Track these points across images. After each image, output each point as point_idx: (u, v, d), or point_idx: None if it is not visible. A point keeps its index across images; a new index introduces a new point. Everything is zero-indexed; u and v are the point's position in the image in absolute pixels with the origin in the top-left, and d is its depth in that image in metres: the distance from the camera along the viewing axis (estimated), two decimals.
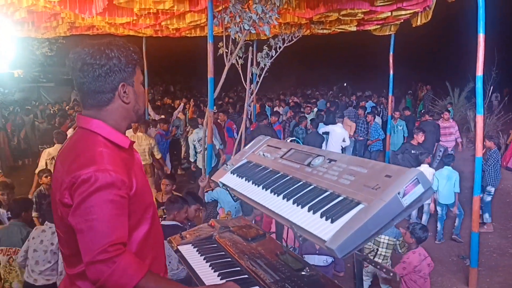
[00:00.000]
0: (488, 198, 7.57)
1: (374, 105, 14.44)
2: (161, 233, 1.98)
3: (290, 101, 15.36)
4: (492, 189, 7.58)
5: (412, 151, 7.96)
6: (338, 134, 9.57)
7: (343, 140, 9.59)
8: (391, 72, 10.18)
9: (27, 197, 5.76)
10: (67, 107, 16.72)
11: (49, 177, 6.01)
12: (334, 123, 9.87)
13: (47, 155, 7.34)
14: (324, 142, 9.45)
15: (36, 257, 4.12)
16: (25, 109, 15.39)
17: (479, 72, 5.23)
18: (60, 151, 1.81)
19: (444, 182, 7.12)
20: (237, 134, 8.26)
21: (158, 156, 8.39)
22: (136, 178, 1.73)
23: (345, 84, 26.78)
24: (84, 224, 1.54)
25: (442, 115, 10.54)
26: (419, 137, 8.16)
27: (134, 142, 1.88)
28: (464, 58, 9.65)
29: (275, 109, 13.65)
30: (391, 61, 10.11)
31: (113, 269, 1.52)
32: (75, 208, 1.57)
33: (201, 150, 8.28)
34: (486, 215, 7.56)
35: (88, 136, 1.73)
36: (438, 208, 7.31)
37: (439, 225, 7.26)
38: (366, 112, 11.41)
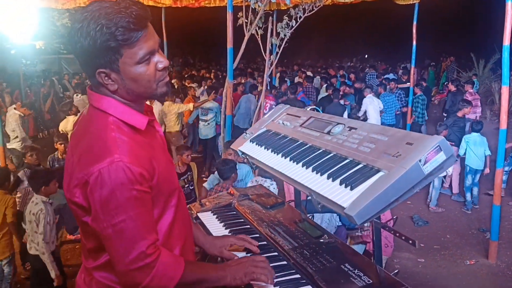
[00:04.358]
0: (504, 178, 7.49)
1: (395, 77, 14.14)
2: (189, 218, 1.74)
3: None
4: (507, 168, 7.52)
5: (462, 124, 7.83)
6: (377, 102, 9.65)
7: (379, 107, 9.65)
8: (414, 42, 9.92)
9: (48, 169, 5.75)
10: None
11: (63, 145, 6.07)
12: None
13: (61, 128, 7.47)
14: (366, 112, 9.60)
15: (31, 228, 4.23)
16: (51, 80, 15.54)
17: (506, 41, 5.09)
18: (73, 132, 1.57)
19: (478, 147, 7.13)
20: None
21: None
22: (158, 164, 1.46)
23: (366, 56, 26.34)
24: (112, 229, 1.34)
25: (465, 89, 10.22)
26: (467, 110, 7.96)
27: (153, 119, 1.61)
28: (491, 28, 9.34)
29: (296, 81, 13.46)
30: (414, 31, 9.84)
31: (153, 275, 1.39)
32: (97, 213, 1.34)
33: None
34: None
35: (99, 118, 1.45)
36: (469, 176, 7.28)
37: (468, 195, 7.29)
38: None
